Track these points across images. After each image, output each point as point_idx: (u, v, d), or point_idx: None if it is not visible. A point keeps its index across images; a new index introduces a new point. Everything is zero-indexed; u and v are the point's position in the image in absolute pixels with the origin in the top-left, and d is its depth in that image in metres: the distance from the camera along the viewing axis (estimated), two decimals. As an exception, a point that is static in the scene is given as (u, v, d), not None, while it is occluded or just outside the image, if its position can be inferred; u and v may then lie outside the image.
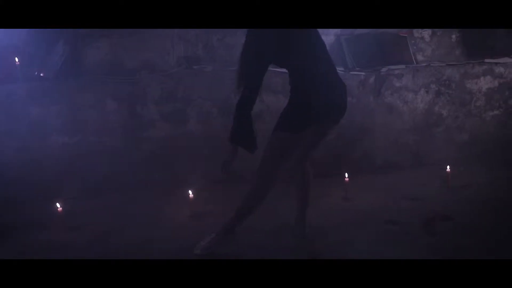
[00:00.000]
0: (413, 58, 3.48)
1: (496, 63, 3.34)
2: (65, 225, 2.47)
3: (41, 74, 2.86)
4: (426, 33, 3.52)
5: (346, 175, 2.81)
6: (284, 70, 2.06)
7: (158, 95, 2.97)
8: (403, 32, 3.49)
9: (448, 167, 2.92)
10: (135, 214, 2.66)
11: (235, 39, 2.93)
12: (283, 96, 3.00)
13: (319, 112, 2.01)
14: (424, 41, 3.53)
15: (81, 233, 2.44)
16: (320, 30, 2.01)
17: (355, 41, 3.44)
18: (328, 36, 3.35)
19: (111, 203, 2.82)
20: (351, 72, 3.26)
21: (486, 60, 3.33)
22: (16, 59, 2.81)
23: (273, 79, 3.06)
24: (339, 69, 3.25)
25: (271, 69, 1.99)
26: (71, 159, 2.89)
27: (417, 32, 3.51)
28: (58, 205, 2.47)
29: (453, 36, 3.55)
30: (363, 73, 3.25)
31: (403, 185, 3.03)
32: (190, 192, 2.60)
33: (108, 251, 2.22)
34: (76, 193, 2.84)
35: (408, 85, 3.29)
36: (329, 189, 2.91)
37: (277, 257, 2.00)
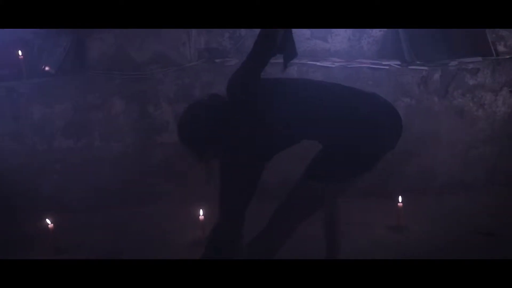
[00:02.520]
0: (492, 48, 2.72)
1: None
2: (60, 243, 2.13)
3: (46, 68, 2.54)
4: None
5: (400, 198, 2.20)
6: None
7: (172, 93, 2.55)
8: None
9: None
10: (143, 232, 2.27)
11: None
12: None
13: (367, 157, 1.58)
14: (507, 26, 2.78)
15: (76, 253, 2.09)
16: None
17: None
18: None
19: (117, 219, 2.44)
20: (410, 67, 2.61)
21: None
22: (20, 53, 2.51)
23: (310, 75, 2.54)
24: (395, 63, 2.65)
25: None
26: (75, 166, 2.55)
27: (499, 16, 2.77)
28: (48, 221, 2.13)
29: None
30: (425, 68, 2.59)
31: (474, 212, 2.36)
32: (201, 212, 2.15)
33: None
34: (78, 206, 2.50)
35: (486, 83, 2.58)
36: (375, 215, 2.32)
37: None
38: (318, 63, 2.61)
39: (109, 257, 2.00)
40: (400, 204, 2.19)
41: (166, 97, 2.55)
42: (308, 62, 2.62)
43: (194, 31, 2.57)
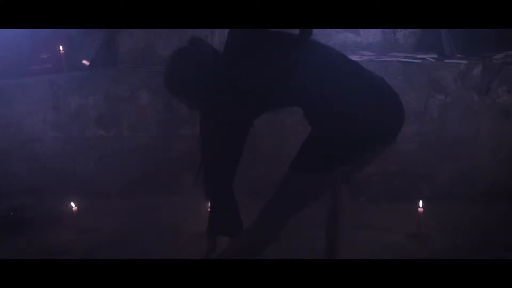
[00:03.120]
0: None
1: None
2: (80, 226, 2.27)
3: (84, 62, 2.73)
4: None
5: (421, 203, 2.02)
6: None
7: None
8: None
9: None
10: (161, 221, 2.34)
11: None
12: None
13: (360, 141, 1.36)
14: None
15: (95, 237, 2.21)
16: None
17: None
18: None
19: (139, 206, 2.55)
20: (446, 61, 2.38)
21: None
22: (61, 48, 2.73)
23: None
24: (431, 56, 2.43)
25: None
26: (106, 154, 2.71)
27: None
28: (73, 204, 2.29)
29: None
30: (464, 62, 2.34)
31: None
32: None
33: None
34: (106, 191, 2.66)
35: (538, 80, 2.28)
36: (397, 221, 2.16)
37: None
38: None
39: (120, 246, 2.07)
40: (420, 210, 2.01)
41: (189, 91, 2.60)
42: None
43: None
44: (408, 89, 2.38)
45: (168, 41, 2.60)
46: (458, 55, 2.45)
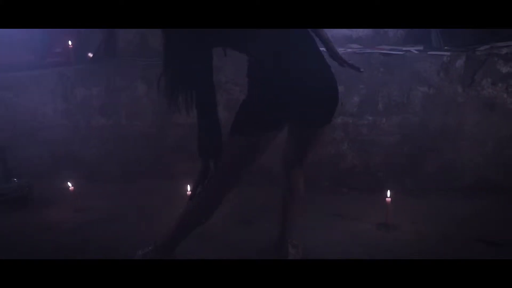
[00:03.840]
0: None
1: None
2: (77, 205, 2.47)
3: (89, 54, 2.95)
4: None
5: (388, 193, 2.04)
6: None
7: (187, 79, 2.72)
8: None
9: None
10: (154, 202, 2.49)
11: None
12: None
13: (292, 110, 1.47)
14: None
15: (91, 214, 2.40)
16: None
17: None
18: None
19: (134, 190, 2.72)
20: (429, 53, 2.36)
21: None
22: (70, 43, 2.96)
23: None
24: (416, 49, 2.43)
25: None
26: (107, 141, 2.91)
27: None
28: (69, 184, 2.50)
29: None
30: (446, 54, 2.32)
31: (494, 216, 2.06)
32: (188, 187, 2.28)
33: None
34: (106, 176, 2.86)
35: (523, 71, 2.22)
36: (367, 211, 2.19)
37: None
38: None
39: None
40: (388, 200, 2.03)
41: (181, 82, 2.74)
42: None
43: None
44: (390, 81, 2.40)
45: (160, 35, 2.75)
46: (445, 47, 2.42)
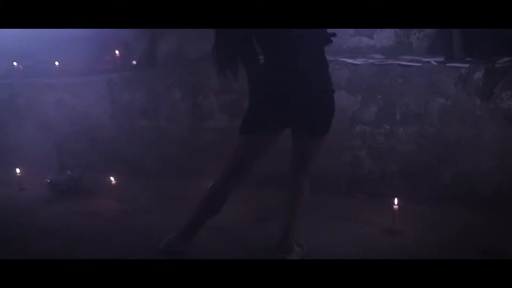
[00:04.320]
0: None
1: None
2: (117, 197, 2.79)
3: (133, 62, 3.28)
4: None
5: (396, 200, 2.14)
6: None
7: (218, 86, 2.95)
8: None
9: None
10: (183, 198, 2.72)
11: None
12: (346, 92, 2.53)
13: (288, 115, 1.68)
14: None
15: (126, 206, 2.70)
16: None
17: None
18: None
19: (167, 186, 3.01)
20: (447, 64, 2.40)
21: None
22: (117, 52, 3.31)
23: (336, 72, 2.59)
24: (436, 60, 2.48)
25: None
26: (147, 141, 3.22)
27: None
28: (112, 178, 2.83)
29: None
30: (465, 65, 2.34)
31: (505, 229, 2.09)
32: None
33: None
34: (144, 172, 3.17)
35: (544, 85, 2.19)
36: (381, 216, 2.28)
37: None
38: (348, 60, 2.62)
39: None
40: (395, 207, 2.12)
41: (212, 90, 2.98)
42: (339, 59, 2.66)
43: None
44: (408, 92, 2.46)
45: (195, 46, 3.01)
46: (467, 59, 2.44)
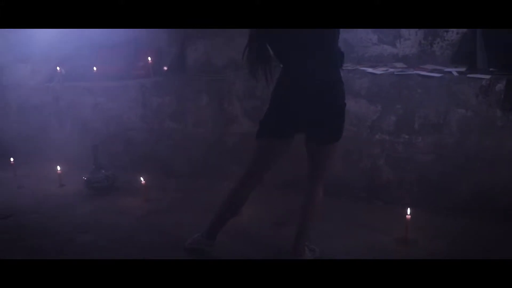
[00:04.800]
0: None
1: None
2: (147, 196, 2.98)
3: (165, 68, 3.47)
4: None
5: (409, 210, 2.17)
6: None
7: (241, 92, 3.07)
8: None
9: None
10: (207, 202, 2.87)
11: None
12: (366, 101, 2.58)
13: (300, 122, 1.81)
14: None
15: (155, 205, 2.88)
16: None
17: (497, 33, 2.44)
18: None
19: (193, 186, 3.17)
20: (468, 75, 2.39)
21: None
22: (149, 58, 3.51)
23: (356, 81, 2.64)
24: (459, 70, 2.47)
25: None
26: (181, 144, 3.39)
27: None
28: (141, 178, 3.02)
29: None
30: (487, 77, 2.32)
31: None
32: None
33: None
34: (171, 172, 3.35)
35: None
36: (397, 224, 2.30)
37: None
38: (368, 70, 2.66)
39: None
40: (408, 217, 2.16)
41: (236, 95, 3.10)
42: (359, 68, 2.70)
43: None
44: (427, 102, 2.47)
45: (221, 54, 3.15)
46: (491, 69, 2.42)
